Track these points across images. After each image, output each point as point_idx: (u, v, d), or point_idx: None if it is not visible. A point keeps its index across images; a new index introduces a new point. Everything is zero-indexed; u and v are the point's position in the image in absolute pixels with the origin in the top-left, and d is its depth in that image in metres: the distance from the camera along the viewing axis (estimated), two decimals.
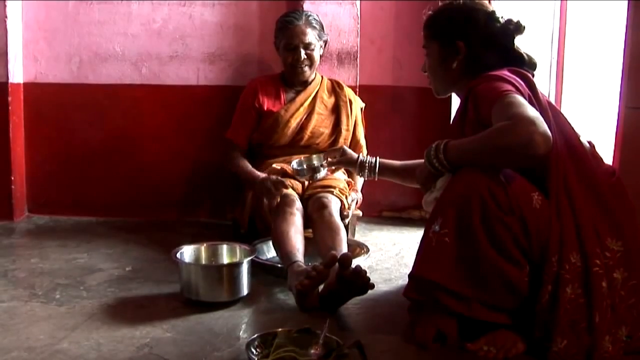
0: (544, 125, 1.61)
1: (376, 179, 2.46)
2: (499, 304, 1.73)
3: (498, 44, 1.99)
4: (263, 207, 2.67)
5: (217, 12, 3.31)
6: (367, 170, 2.40)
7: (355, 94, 3.11)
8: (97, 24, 3.31)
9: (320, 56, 2.95)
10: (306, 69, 2.88)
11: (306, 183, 2.73)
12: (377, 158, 2.42)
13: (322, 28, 2.92)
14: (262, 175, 2.70)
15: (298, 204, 2.56)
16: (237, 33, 3.33)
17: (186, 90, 3.35)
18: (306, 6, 3.14)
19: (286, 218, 2.45)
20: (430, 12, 2.12)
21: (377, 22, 3.46)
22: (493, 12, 2.01)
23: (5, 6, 3.17)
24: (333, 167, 2.62)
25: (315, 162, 2.52)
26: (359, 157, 2.42)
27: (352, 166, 2.45)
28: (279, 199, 2.52)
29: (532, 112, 1.66)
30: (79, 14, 3.31)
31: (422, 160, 2.34)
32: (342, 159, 2.46)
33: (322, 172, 2.55)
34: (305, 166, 2.53)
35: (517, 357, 1.73)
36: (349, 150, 2.48)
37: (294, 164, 2.56)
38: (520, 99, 1.72)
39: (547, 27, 3.25)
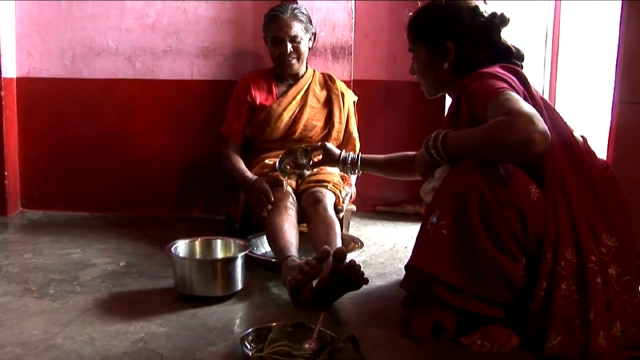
0: (542, 123, 1.61)
1: (359, 174, 2.47)
2: (495, 297, 1.73)
3: (485, 38, 1.98)
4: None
5: (211, 6, 3.30)
6: (349, 167, 2.40)
7: (350, 88, 3.11)
8: (90, 19, 3.30)
9: (310, 49, 2.95)
10: (294, 61, 2.87)
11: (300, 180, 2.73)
12: (359, 154, 2.42)
13: (310, 21, 2.92)
14: (255, 177, 2.70)
15: (292, 198, 2.56)
16: (231, 28, 3.32)
17: (180, 85, 3.34)
18: (300, 1, 3.14)
19: (280, 212, 2.45)
20: (412, 14, 2.10)
21: (372, 16, 3.45)
22: (476, 7, 2.00)
23: None
24: (315, 170, 2.62)
25: (302, 160, 2.50)
26: (340, 154, 2.42)
27: (334, 164, 2.45)
28: (270, 207, 2.52)
29: (529, 108, 1.65)
30: (72, 9, 3.29)
31: (404, 153, 2.37)
32: (324, 158, 2.45)
33: (307, 173, 2.54)
34: (288, 167, 2.51)
35: (511, 352, 1.73)
36: (331, 147, 2.47)
37: (278, 165, 2.52)
38: (515, 95, 1.72)
39: (541, 24, 3.26)
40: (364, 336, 1.75)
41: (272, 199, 2.52)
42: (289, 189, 2.62)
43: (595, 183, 1.77)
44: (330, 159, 2.45)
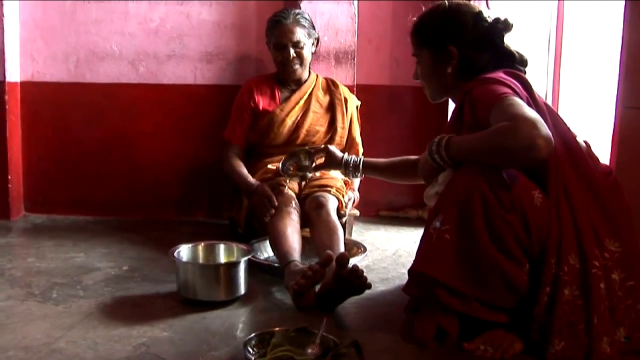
0: (545, 128, 1.61)
1: (361, 178, 2.47)
2: (498, 302, 1.73)
3: (488, 44, 1.99)
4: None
5: (214, 11, 3.31)
6: (351, 170, 2.40)
7: (353, 93, 3.11)
8: (94, 23, 3.31)
9: (313, 54, 2.95)
10: (297, 67, 2.87)
11: (303, 182, 2.73)
12: (361, 157, 2.42)
13: (312, 26, 2.91)
14: (257, 182, 2.70)
15: (294, 203, 2.56)
16: (234, 32, 3.33)
17: (183, 90, 3.35)
18: (303, 5, 3.14)
19: (283, 217, 2.45)
20: (415, 19, 2.10)
21: (375, 21, 3.46)
22: (480, 13, 2.00)
23: (2, 5, 3.16)
24: (318, 174, 2.63)
25: (305, 162, 2.50)
26: (343, 157, 2.43)
27: (337, 167, 2.45)
28: (273, 211, 2.52)
29: (532, 114, 1.65)
30: (76, 13, 3.30)
31: (405, 157, 2.37)
32: (327, 160, 2.46)
33: (309, 175, 2.55)
34: (291, 168, 2.51)
35: (514, 358, 1.73)
36: (334, 150, 2.47)
37: (281, 167, 2.53)
38: (519, 100, 1.72)
39: (544, 27, 3.26)
40: (367, 341, 1.75)
41: (276, 203, 2.52)
42: (292, 194, 2.62)
43: (598, 188, 1.77)
44: (332, 162, 2.45)
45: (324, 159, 2.48)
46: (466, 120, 1.83)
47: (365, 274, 2.00)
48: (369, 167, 2.41)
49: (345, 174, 2.47)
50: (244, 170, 2.84)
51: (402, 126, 3.53)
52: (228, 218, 3.01)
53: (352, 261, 2.16)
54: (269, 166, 2.81)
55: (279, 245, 2.34)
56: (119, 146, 3.38)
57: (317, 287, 2.07)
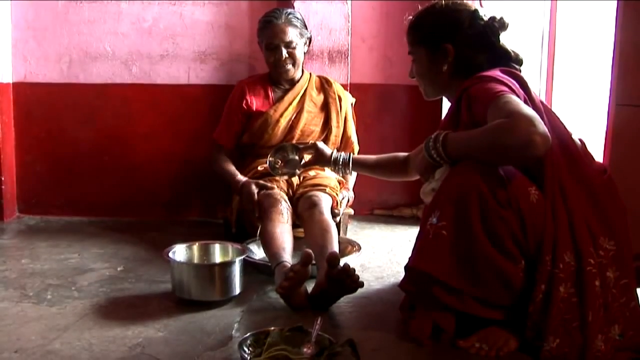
0: (542, 126, 1.61)
1: (351, 174, 2.46)
2: (494, 299, 1.73)
3: (484, 42, 1.99)
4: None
5: (207, 11, 3.31)
6: (340, 167, 2.40)
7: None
8: (87, 23, 3.30)
9: (305, 53, 2.93)
10: (289, 67, 2.85)
11: (295, 182, 2.72)
12: (350, 154, 2.43)
13: (305, 25, 2.89)
14: (244, 179, 2.70)
15: (284, 203, 2.54)
16: (227, 32, 3.32)
17: (177, 90, 3.34)
18: (297, 5, 3.14)
19: (272, 218, 2.43)
20: (412, 17, 2.11)
21: (368, 20, 3.46)
22: (476, 11, 2.01)
23: None
24: (312, 172, 2.63)
25: (292, 155, 2.51)
26: (332, 154, 2.43)
27: (326, 164, 2.45)
28: (256, 213, 2.52)
29: (529, 111, 1.65)
30: (69, 13, 3.29)
31: (394, 154, 2.38)
32: (315, 157, 2.45)
33: (298, 172, 2.56)
34: (279, 161, 2.52)
35: (509, 355, 1.73)
36: (323, 146, 2.46)
37: (269, 162, 2.53)
38: (515, 98, 1.72)
39: (537, 26, 3.27)
40: (362, 339, 1.75)
41: (258, 203, 2.54)
42: (282, 193, 2.60)
43: (593, 186, 1.77)
44: (321, 159, 2.45)
45: (312, 155, 2.47)
46: (463, 118, 1.83)
47: (360, 272, 2.00)
48: (358, 164, 2.42)
49: (335, 171, 2.48)
50: (232, 168, 2.83)
51: (395, 125, 3.54)
52: (222, 218, 3.00)
53: (348, 259, 2.16)
54: (259, 168, 2.79)
55: (268, 246, 2.33)
56: (112, 146, 3.37)
57: (312, 287, 2.06)
